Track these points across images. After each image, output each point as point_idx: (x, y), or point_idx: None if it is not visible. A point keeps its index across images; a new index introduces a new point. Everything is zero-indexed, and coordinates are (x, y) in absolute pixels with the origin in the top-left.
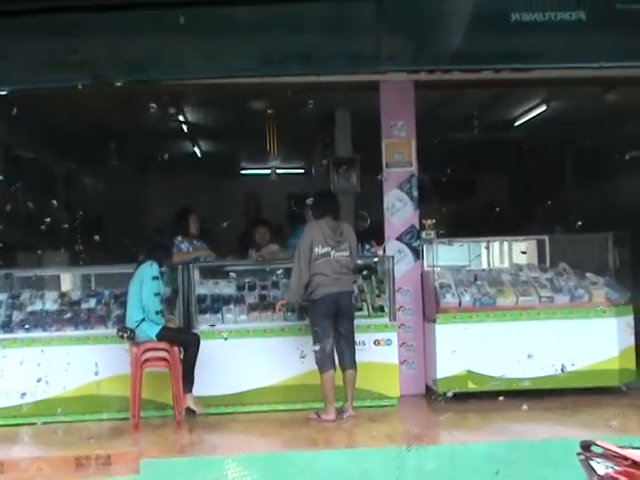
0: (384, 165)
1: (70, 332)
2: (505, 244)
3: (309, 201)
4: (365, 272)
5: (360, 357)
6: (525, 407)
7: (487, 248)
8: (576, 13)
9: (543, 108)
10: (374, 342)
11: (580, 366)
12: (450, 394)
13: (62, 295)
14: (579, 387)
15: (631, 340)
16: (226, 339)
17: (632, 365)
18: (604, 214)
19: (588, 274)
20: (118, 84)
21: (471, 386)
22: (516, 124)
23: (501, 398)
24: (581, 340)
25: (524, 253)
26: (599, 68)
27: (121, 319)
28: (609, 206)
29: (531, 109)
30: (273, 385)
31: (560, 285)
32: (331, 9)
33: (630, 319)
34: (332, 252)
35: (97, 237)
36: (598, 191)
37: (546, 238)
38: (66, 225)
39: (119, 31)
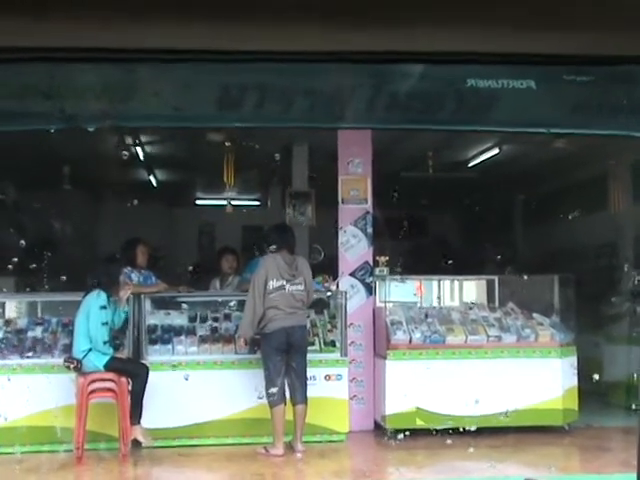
0: (340, 201)
1: (15, 360)
2: (456, 282)
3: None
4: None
5: (310, 392)
6: (472, 450)
7: (438, 286)
8: (527, 82)
9: (496, 151)
10: (325, 377)
11: (525, 405)
12: (400, 437)
13: (7, 322)
14: (523, 426)
15: (574, 380)
16: (187, 379)
17: (575, 405)
18: (552, 256)
19: (535, 314)
20: (90, 129)
21: (419, 423)
22: (470, 165)
23: (449, 441)
24: (527, 379)
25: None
26: (547, 134)
27: (68, 348)
28: (557, 248)
29: (484, 151)
30: (222, 418)
31: (508, 325)
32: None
33: (574, 360)
34: (287, 286)
35: (42, 265)
36: (547, 233)
37: (495, 278)
38: (15, 252)
39: (92, 78)
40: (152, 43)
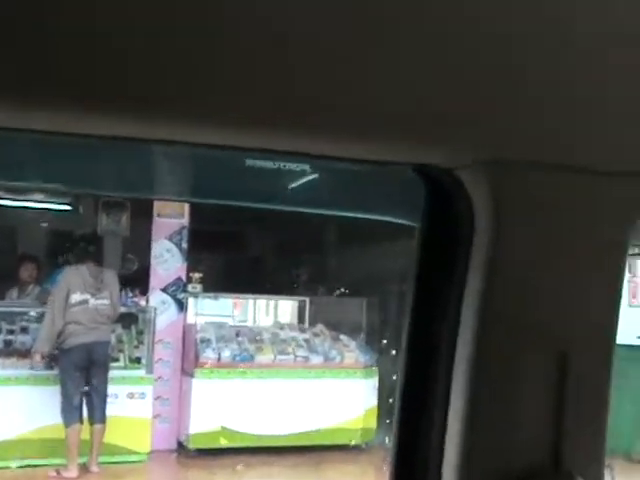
0: (155, 215)
1: None
2: (271, 302)
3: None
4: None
5: (110, 410)
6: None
7: (253, 305)
8: (302, 165)
9: (315, 175)
10: (128, 395)
11: (329, 424)
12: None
13: None
14: (326, 444)
15: (374, 400)
16: None
17: (373, 424)
18: (362, 280)
19: (342, 336)
20: None
21: (223, 442)
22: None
23: (252, 460)
24: (331, 399)
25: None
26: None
27: None
28: (368, 272)
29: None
30: (10, 439)
31: (316, 346)
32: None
33: (375, 381)
34: (91, 300)
35: None
36: (360, 257)
37: (307, 299)
38: None
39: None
40: (112, 131)
